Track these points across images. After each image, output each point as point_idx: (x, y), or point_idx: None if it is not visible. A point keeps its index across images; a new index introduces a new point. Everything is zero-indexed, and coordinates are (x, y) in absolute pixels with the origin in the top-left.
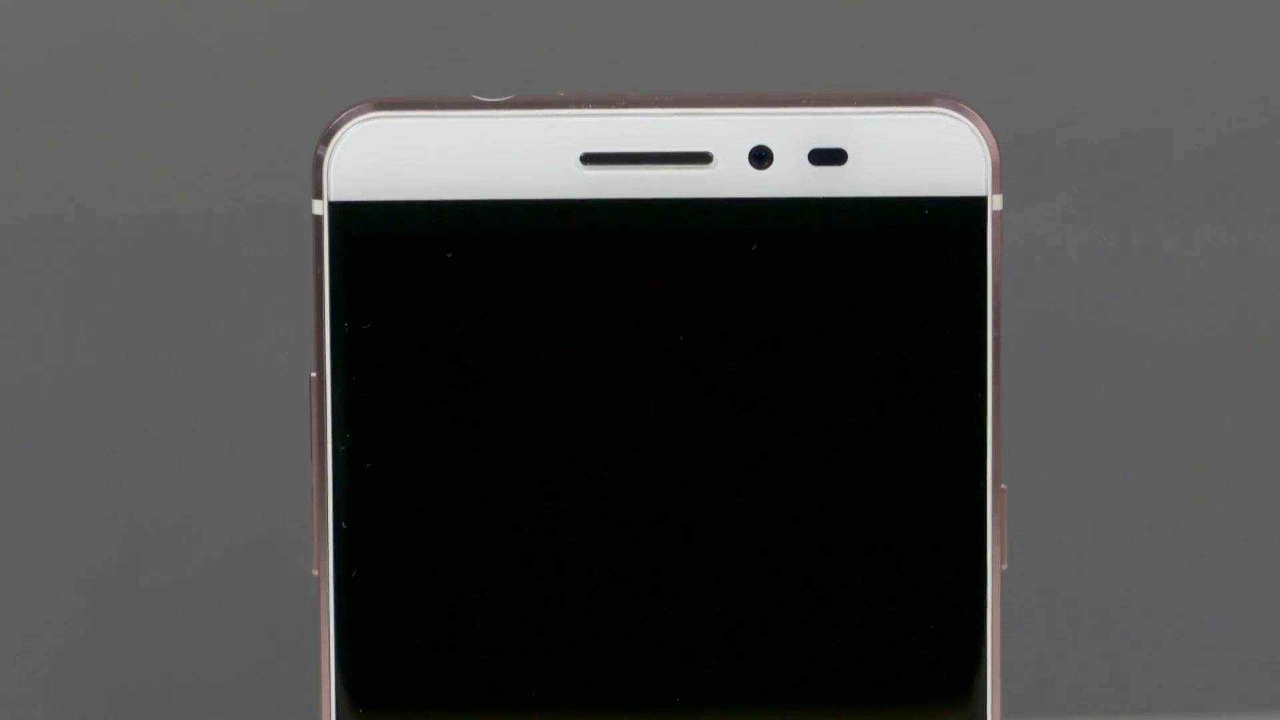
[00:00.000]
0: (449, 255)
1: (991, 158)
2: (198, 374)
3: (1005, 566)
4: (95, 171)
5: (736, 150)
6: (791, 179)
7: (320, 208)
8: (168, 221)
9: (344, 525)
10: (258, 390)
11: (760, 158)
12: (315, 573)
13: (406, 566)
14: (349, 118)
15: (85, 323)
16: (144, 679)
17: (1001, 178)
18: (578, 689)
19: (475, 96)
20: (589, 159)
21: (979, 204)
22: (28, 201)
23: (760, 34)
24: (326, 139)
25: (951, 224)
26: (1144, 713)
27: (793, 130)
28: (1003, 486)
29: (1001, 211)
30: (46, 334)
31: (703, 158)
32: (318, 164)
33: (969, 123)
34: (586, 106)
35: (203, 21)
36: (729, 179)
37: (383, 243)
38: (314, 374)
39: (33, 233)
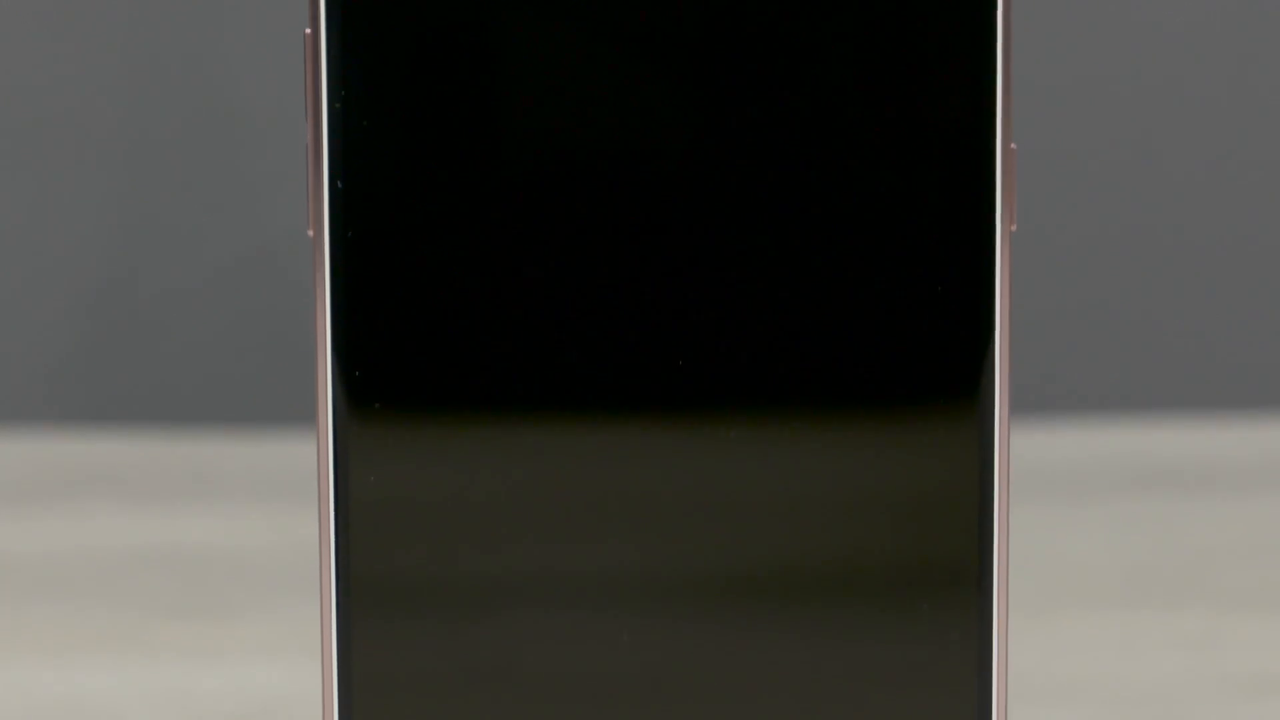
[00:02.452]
0: None
1: None
2: (196, 77)
3: (1014, 228)
4: None
5: None
6: None
7: None
8: None
9: (339, 184)
10: (257, 96)
11: None
12: (310, 233)
13: (404, 232)
14: None
15: (83, 27)
16: (145, 381)
17: None
18: (584, 385)
19: None
20: None
21: None
22: None
23: None
24: None
25: None
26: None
27: None
28: (1012, 146)
29: None
30: (44, 40)
31: None
32: None
33: None
34: None
35: None
36: None
37: None
38: (308, 30)
39: None
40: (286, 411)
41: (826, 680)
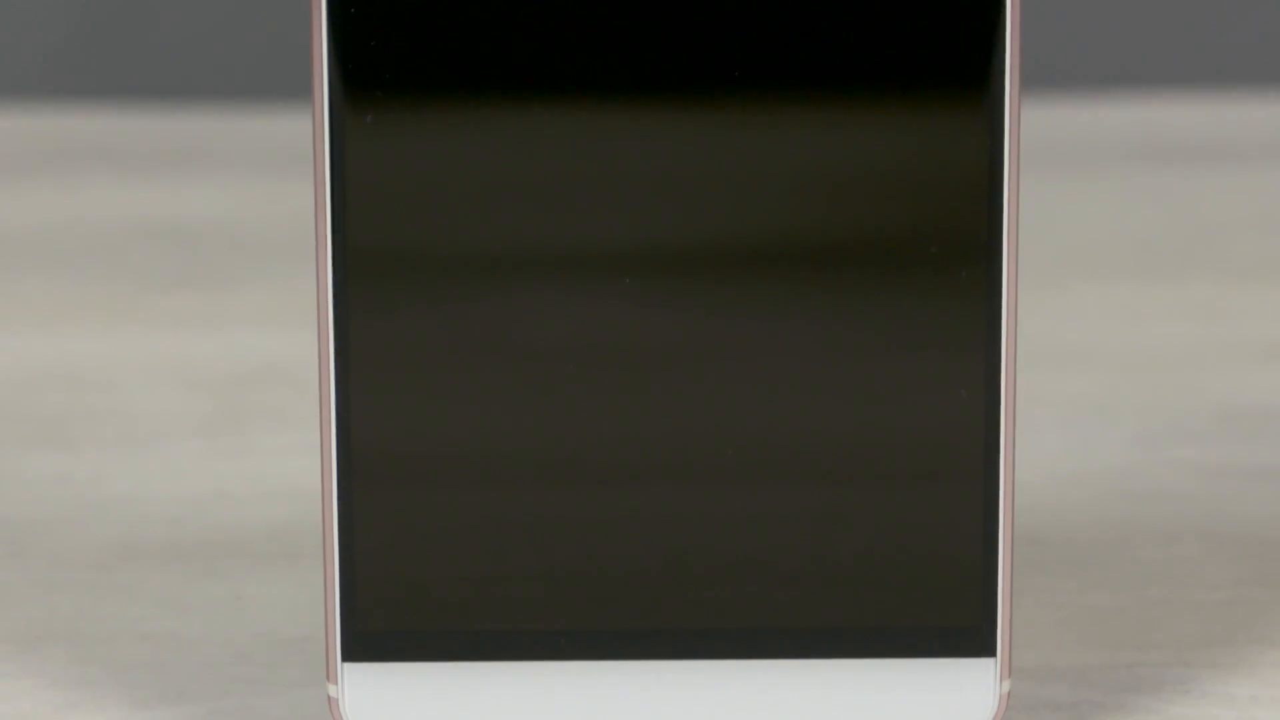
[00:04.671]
0: None
1: None
2: None
3: None
4: None
5: None
6: None
7: None
8: None
9: None
10: None
11: None
12: None
13: None
14: None
15: None
16: (143, 57)
17: None
18: (588, 54)
19: None
20: None
21: None
22: None
23: None
24: None
25: None
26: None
27: None
28: None
29: None
30: None
31: None
32: None
33: None
34: None
35: None
36: None
37: None
38: None
39: None
40: (284, 86)
41: (837, 348)
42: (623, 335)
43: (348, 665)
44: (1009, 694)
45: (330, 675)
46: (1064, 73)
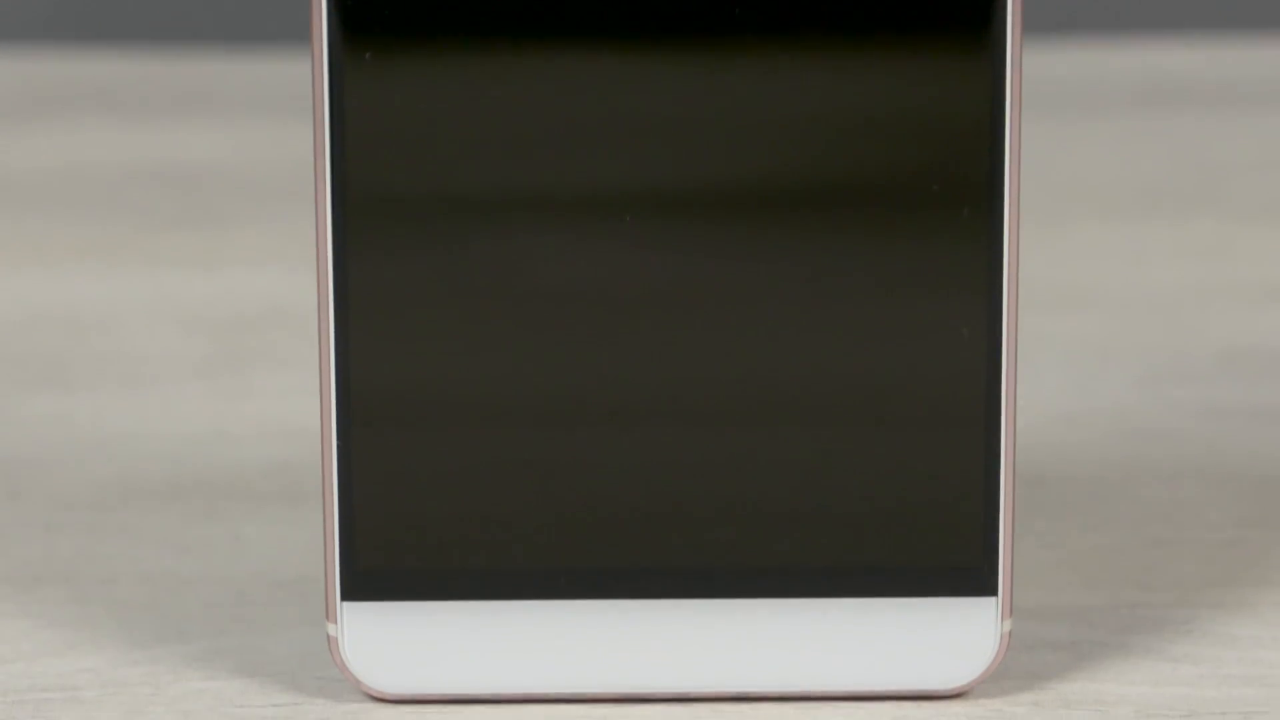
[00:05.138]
0: None
1: None
2: None
3: None
4: None
5: None
6: None
7: None
8: None
9: None
10: None
11: None
12: None
13: None
14: None
15: None
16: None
17: None
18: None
19: None
20: None
21: None
22: None
23: None
24: None
25: None
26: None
27: None
28: None
29: None
30: None
31: None
32: None
33: None
34: None
35: None
36: None
37: None
38: None
39: None
40: (284, 29)
41: (840, 289)
42: (623, 276)
43: (347, 604)
44: (1010, 633)
45: (329, 614)
46: (1068, 15)
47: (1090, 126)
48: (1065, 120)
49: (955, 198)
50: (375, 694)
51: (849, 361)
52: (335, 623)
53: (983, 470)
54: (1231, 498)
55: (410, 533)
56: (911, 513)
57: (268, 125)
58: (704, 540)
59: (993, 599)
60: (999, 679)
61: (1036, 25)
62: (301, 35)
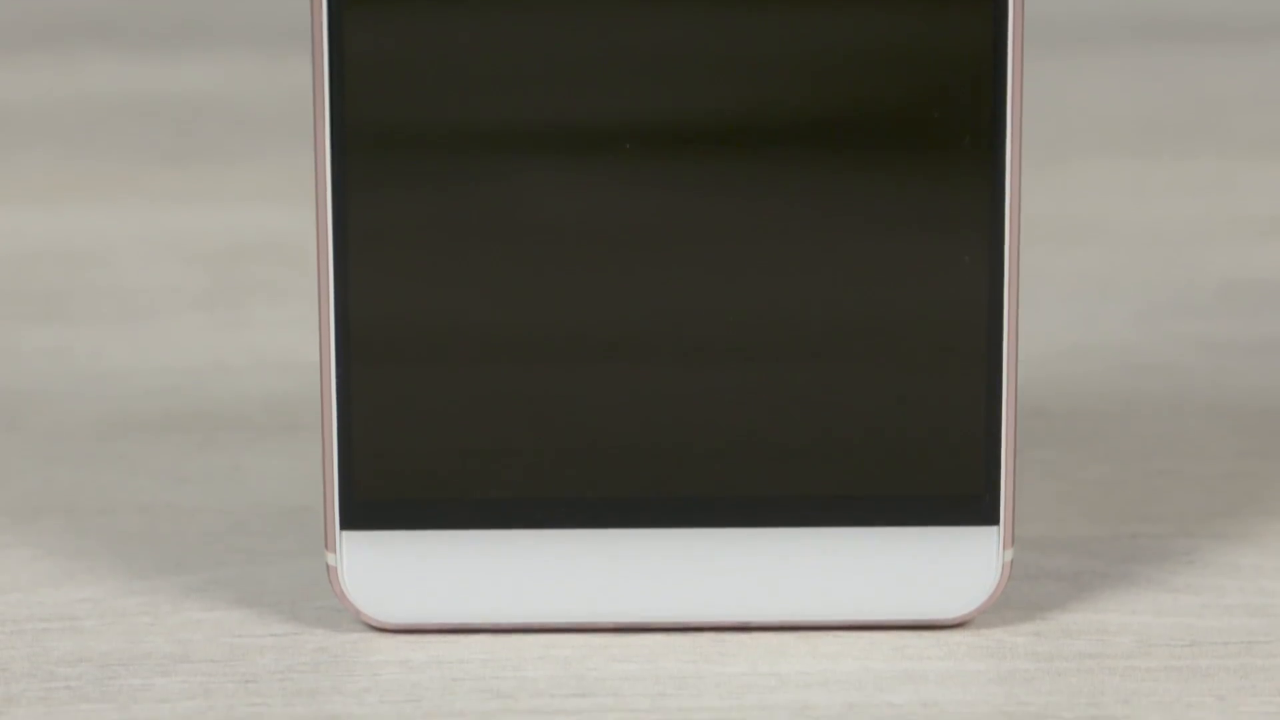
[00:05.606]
0: None
1: None
2: None
3: None
4: None
5: None
6: None
7: None
8: None
9: None
10: None
11: None
12: None
13: None
14: None
15: None
16: None
17: None
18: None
19: None
20: None
21: None
22: None
23: None
24: None
25: None
26: None
27: None
28: None
29: None
30: None
31: None
32: None
33: None
34: None
35: None
36: None
37: None
38: None
39: None
40: None
41: (842, 223)
42: (623, 211)
43: (346, 534)
44: (1011, 563)
45: (329, 544)
46: None
47: (1092, 60)
48: (1067, 54)
49: (957, 130)
50: (374, 623)
51: (851, 293)
52: (334, 552)
53: (984, 401)
54: (1232, 430)
55: (409, 462)
56: (913, 443)
57: (267, 57)
58: (704, 470)
59: (994, 528)
60: (1000, 609)
61: None
62: None
